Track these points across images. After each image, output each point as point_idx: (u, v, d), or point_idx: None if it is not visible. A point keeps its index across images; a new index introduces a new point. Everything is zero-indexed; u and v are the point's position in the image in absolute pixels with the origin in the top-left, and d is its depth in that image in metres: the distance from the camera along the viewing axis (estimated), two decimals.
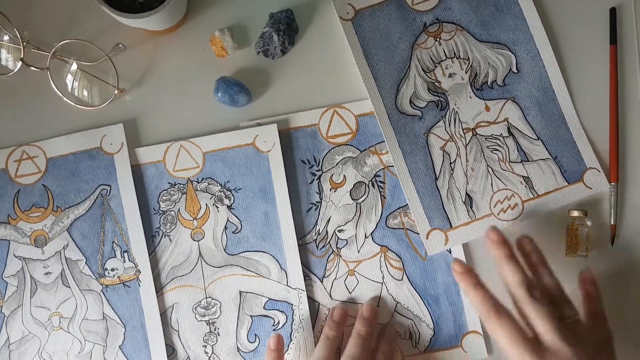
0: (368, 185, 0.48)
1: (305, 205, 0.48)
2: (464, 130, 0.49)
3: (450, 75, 0.49)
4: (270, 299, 0.47)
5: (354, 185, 0.48)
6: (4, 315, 0.47)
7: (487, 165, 0.48)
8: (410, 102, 0.49)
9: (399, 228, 0.48)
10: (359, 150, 0.49)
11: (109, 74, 0.48)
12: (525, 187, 0.48)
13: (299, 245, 0.47)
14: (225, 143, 0.48)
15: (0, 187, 0.47)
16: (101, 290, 0.47)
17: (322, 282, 0.48)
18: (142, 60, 0.49)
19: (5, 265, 0.47)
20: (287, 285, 0.47)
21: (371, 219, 0.48)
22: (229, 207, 0.48)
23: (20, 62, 0.47)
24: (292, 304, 0.47)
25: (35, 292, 0.47)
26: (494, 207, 0.48)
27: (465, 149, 0.49)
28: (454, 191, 0.48)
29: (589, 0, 0.50)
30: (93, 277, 0.47)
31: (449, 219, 0.48)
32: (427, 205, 0.48)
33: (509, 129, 0.49)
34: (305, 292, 0.47)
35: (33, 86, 0.49)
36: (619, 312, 0.48)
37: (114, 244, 0.47)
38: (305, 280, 0.47)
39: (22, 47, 0.47)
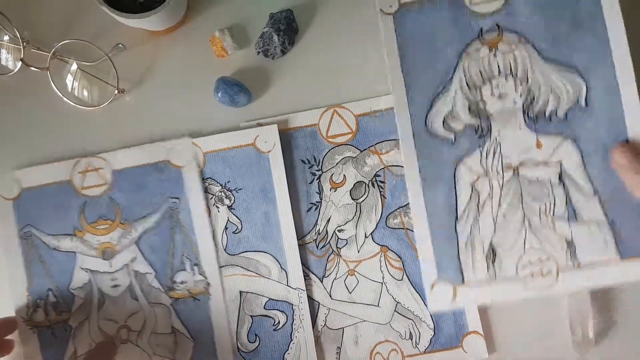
0: (368, 185, 0.48)
1: (305, 205, 0.48)
2: (504, 167, 0.40)
3: (500, 96, 0.41)
4: (270, 299, 0.47)
5: (354, 185, 0.48)
6: (71, 328, 0.46)
7: (524, 215, 0.40)
8: (444, 121, 0.41)
9: (399, 228, 0.48)
10: (359, 150, 0.49)
11: (109, 74, 0.48)
12: (567, 252, 0.40)
13: (298, 245, 0.47)
14: (226, 143, 0.48)
15: (66, 199, 0.47)
16: (170, 304, 0.46)
17: (322, 282, 0.48)
18: (142, 60, 0.49)
19: (72, 277, 0.46)
20: (287, 285, 0.47)
21: (371, 218, 0.48)
22: (229, 208, 0.48)
23: (20, 62, 0.47)
24: (292, 304, 0.47)
25: (103, 304, 0.46)
26: (523, 268, 0.40)
27: (501, 189, 0.40)
28: (476, 239, 0.41)
29: None
30: (162, 290, 0.46)
31: (462, 271, 0.41)
32: (439, 249, 0.41)
33: (560, 175, 0.40)
34: (305, 292, 0.47)
35: (33, 86, 0.49)
36: (619, 312, 0.48)
37: (184, 257, 0.46)
38: (305, 280, 0.47)
39: (22, 47, 0.47)
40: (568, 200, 0.40)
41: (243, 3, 0.50)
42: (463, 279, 0.41)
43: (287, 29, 0.48)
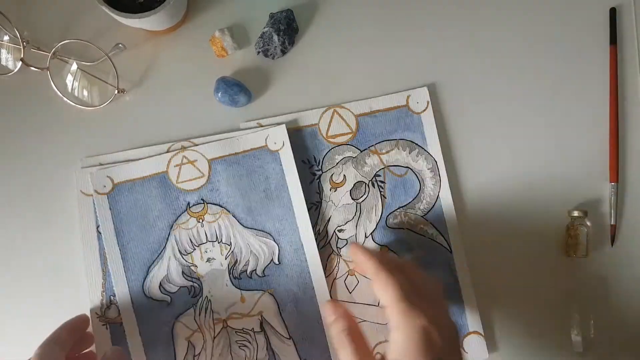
0: (368, 185, 0.48)
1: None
2: (215, 321, 0.46)
3: (208, 260, 0.47)
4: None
5: (354, 185, 0.48)
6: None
7: None
8: (160, 285, 0.46)
9: (400, 228, 0.48)
10: (359, 150, 0.49)
11: (109, 74, 0.48)
12: None
13: None
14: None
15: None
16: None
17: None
18: (142, 60, 0.49)
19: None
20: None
21: (371, 218, 0.48)
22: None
23: (20, 62, 0.47)
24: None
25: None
26: None
27: (213, 341, 0.46)
28: None
29: (589, 0, 0.51)
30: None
31: None
32: None
33: (261, 324, 0.46)
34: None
35: (33, 86, 0.49)
36: (619, 312, 0.48)
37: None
38: None
39: (22, 47, 0.47)
40: (268, 345, 0.46)
41: (243, 3, 0.50)
42: None
43: (287, 29, 0.48)
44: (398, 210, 0.48)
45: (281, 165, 0.47)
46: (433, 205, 0.49)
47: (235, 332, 0.46)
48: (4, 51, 0.49)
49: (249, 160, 0.47)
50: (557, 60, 0.50)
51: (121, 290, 0.46)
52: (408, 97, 0.49)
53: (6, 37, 0.48)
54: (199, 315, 0.46)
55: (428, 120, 0.49)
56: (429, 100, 0.49)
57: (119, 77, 0.48)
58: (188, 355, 0.46)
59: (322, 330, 0.47)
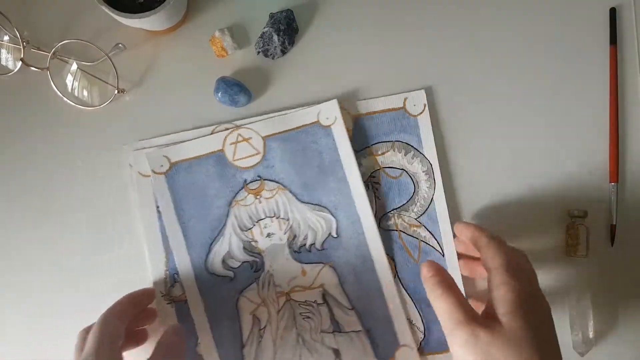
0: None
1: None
2: (278, 295, 0.47)
3: (268, 235, 0.47)
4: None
5: None
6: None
7: (298, 334, 0.46)
8: (223, 261, 0.47)
9: (393, 230, 0.48)
10: (355, 150, 0.49)
11: (109, 74, 0.48)
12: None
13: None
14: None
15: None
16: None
17: None
18: (142, 60, 0.49)
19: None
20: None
21: None
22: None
23: (20, 62, 0.47)
24: None
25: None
26: None
27: (277, 314, 0.47)
28: None
29: (589, 0, 0.51)
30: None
31: None
32: None
33: (324, 296, 0.47)
34: None
35: (33, 86, 0.49)
36: (619, 312, 0.48)
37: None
38: None
39: (22, 47, 0.47)
40: (332, 317, 0.47)
41: (243, 3, 0.50)
42: None
43: (287, 29, 0.48)
44: (392, 212, 0.48)
45: (334, 140, 0.47)
46: (427, 208, 0.48)
47: (299, 304, 0.47)
48: (4, 51, 0.49)
49: (302, 136, 0.48)
50: (557, 60, 0.50)
51: (184, 268, 0.47)
52: (405, 99, 0.49)
53: (6, 37, 0.48)
54: (262, 289, 0.47)
55: (424, 123, 0.49)
56: (426, 103, 0.49)
57: (119, 77, 0.48)
58: (254, 329, 0.46)
59: (383, 301, 0.47)
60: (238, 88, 0.47)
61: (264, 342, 0.46)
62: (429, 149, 0.49)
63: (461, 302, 0.37)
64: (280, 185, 0.47)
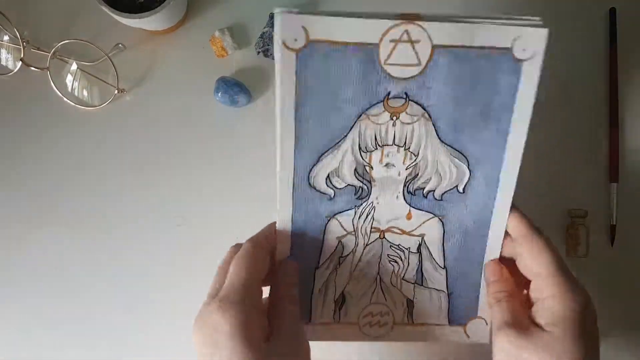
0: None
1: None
2: (372, 229, 0.41)
3: (387, 165, 0.40)
4: None
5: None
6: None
7: (379, 274, 0.43)
8: (328, 177, 0.40)
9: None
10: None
11: (109, 74, 0.48)
12: (405, 310, 0.43)
13: None
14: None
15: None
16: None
17: None
18: (142, 60, 0.49)
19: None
20: None
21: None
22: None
23: (20, 62, 0.47)
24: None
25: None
26: (363, 317, 0.43)
27: (364, 248, 0.42)
28: (330, 286, 0.42)
29: (589, 0, 0.51)
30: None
31: (311, 312, 0.43)
32: None
33: (419, 246, 0.42)
34: None
35: (33, 86, 0.49)
36: (619, 312, 0.48)
37: None
38: None
39: (22, 47, 0.47)
40: (419, 267, 0.43)
41: (243, 3, 0.50)
42: (310, 318, 0.43)
43: None
44: None
45: (520, 80, 0.36)
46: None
47: (390, 246, 0.42)
48: (4, 51, 0.49)
49: (481, 61, 0.36)
50: (557, 60, 0.50)
51: (285, 169, 0.39)
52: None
53: (6, 37, 0.48)
54: (359, 218, 0.41)
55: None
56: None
57: (119, 77, 0.48)
58: (335, 254, 0.42)
59: (480, 271, 0.42)
60: (238, 88, 0.47)
61: (340, 270, 0.42)
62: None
63: (516, 310, 0.38)
64: (426, 114, 0.38)
